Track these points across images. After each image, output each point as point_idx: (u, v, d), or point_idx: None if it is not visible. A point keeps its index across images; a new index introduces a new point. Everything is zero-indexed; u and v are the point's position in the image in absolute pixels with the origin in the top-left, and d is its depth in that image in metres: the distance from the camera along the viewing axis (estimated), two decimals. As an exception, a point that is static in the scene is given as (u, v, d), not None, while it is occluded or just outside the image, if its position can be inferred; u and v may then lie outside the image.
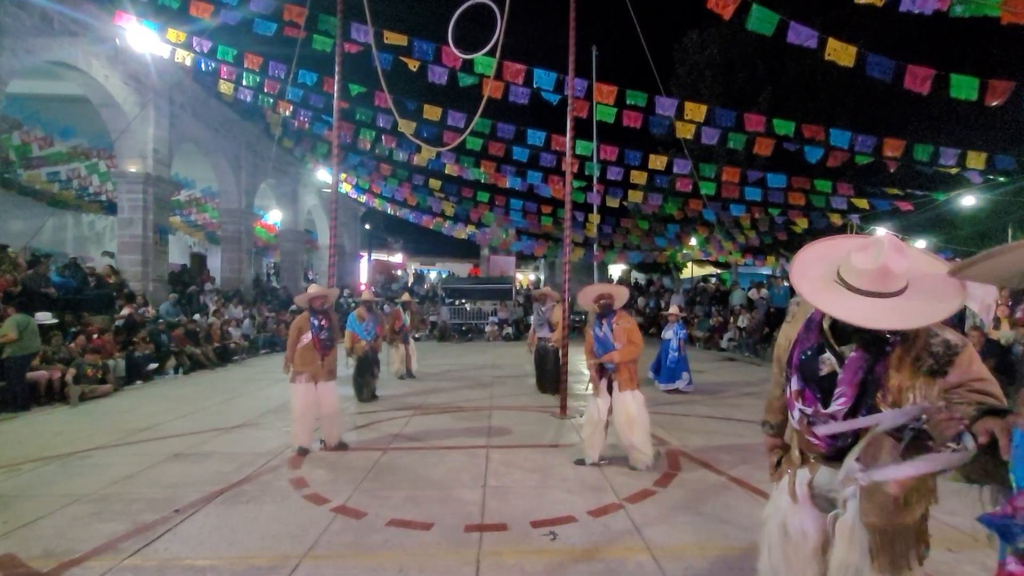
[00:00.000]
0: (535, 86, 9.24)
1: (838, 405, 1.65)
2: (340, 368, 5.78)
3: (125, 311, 10.71)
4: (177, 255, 20.71)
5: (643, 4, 8.05)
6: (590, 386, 4.90)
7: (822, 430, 1.61)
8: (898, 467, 1.39)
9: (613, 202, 15.05)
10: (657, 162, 11.92)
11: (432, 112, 10.44)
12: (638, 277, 28.13)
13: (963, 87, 7.24)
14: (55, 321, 9.00)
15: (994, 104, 7.25)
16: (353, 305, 9.60)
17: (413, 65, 9.33)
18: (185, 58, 10.36)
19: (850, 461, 1.56)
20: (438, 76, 9.34)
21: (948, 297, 1.51)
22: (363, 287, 14.86)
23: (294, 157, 19.51)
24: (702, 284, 22.86)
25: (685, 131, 10.32)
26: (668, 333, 8.81)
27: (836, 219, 15.32)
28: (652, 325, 17.28)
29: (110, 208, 17.01)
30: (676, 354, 8.56)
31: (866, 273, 1.54)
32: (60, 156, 14.88)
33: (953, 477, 1.28)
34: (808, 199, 13.27)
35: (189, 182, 18.54)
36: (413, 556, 3.13)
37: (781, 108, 16.77)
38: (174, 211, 18.87)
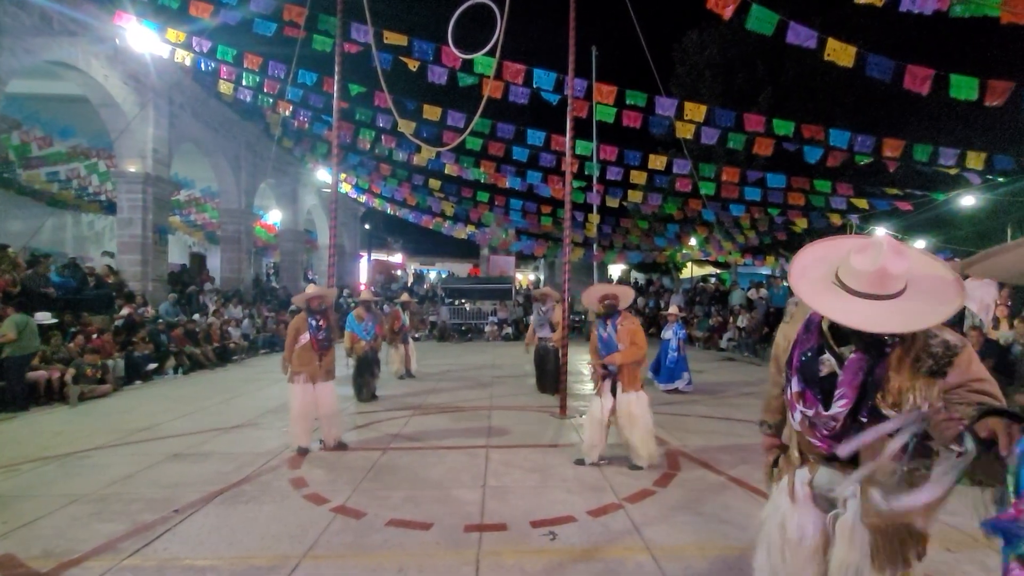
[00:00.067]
0: (535, 86, 9.24)
1: (839, 407, 1.65)
2: (340, 368, 5.78)
3: (124, 311, 10.70)
4: (177, 255, 20.70)
5: (643, 4, 8.06)
6: (596, 385, 4.89)
7: (843, 450, 1.57)
8: (918, 494, 1.37)
9: (613, 202, 15.06)
10: (657, 162, 11.93)
11: (432, 112, 10.44)
12: (638, 277, 28.13)
13: (963, 87, 7.24)
14: (54, 321, 8.99)
15: (993, 104, 7.25)
16: (352, 305, 9.59)
17: (413, 65, 9.33)
18: (185, 58, 10.36)
19: (872, 491, 1.51)
20: (438, 76, 9.34)
21: (947, 298, 1.51)
22: (362, 287, 14.85)
23: (294, 157, 19.51)
24: (701, 284, 22.87)
25: (685, 131, 10.32)
26: (668, 333, 8.82)
27: (836, 219, 15.33)
28: (652, 325, 17.28)
29: (109, 208, 17.00)
30: (676, 354, 8.57)
31: (865, 275, 1.53)
32: (59, 156, 14.86)
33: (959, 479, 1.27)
34: (807, 199, 13.27)
35: (189, 182, 18.53)
36: (412, 556, 3.13)
37: (781, 108, 16.78)
38: (174, 211, 18.86)
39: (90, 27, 10.78)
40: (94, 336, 9.26)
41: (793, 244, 17.15)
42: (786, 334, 1.92)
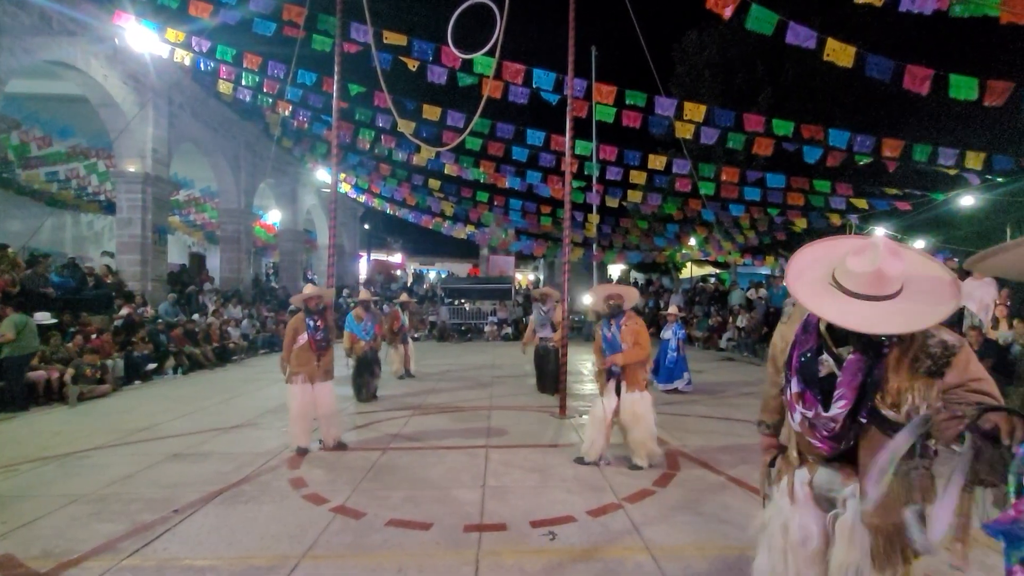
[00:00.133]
0: (534, 86, 9.25)
1: (838, 408, 1.65)
2: (339, 368, 5.77)
3: (124, 311, 10.69)
4: (176, 255, 20.70)
5: (642, 4, 8.06)
6: (599, 385, 4.88)
7: (872, 491, 1.52)
8: (941, 512, 1.36)
9: (612, 202, 15.06)
10: (656, 162, 11.93)
11: (431, 112, 10.44)
12: (637, 277, 28.13)
13: (962, 87, 7.24)
14: (54, 321, 8.98)
15: (993, 105, 7.25)
16: (352, 305, 9.60)
17: (412, 65, 9.33)
18: (184, 58, 10.35)
19: (912, 530, 1.49)
20: (437, 76, 9.34)
21: (944, 299, 1.51)
22: (361, 287, 14.86)
23: (293, 157, 19.50)
24: (701, 284, 22.87)
25: (684, 131, 10.33)
26: (667, 333, 8.82)
27: (835, 219, 15.34)
28: (651, 325, 17.26)
29: (109, 208, 16.99)
30: (675, 354, 8.57)
31: (862, 276, 1.54)
32: (59, 156, 14.84)
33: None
34: (807, 199, 13.28)
35: (188, 182, 18.51)
36: (412, 556, 3.13)
37: (780, 108, 16.77)
38: (173, 211, 18.85)
39: (89, 27, 10.77)
40: (93, 336, 9.26)
41: (792, 244, 17.14)
42: (783, 335, 1.92)
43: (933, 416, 1.37)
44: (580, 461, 4.80)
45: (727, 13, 6.90)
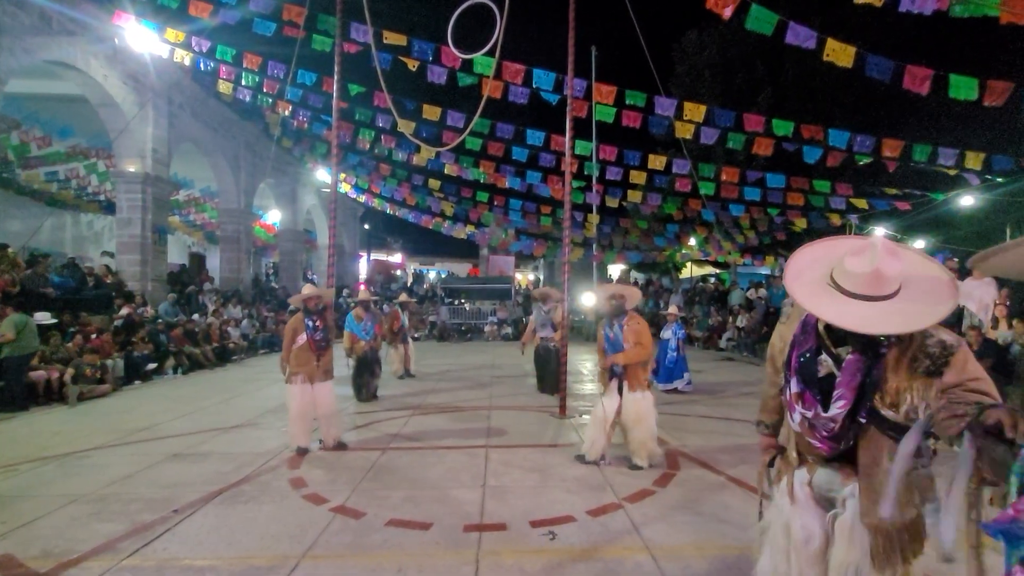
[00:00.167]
0: (534, 86, 9.24)
1: (837, 408, 1.66)
2: (340, 368, 5.77)
3: (124, 311, 10.69)
4: (176, 255, 20.70)
5: (642, 4, 8.06)
6: (601, 385, 4.88)
7: (886, 510, 1.51)
8: (948, 515, 1.35)
9: (612, 202, 15.05)
10: (656, 162, 11.92)
11: (431, 112, 10.43)
12: (637, 277, 28.13)
13: (962, 87, 7.24)
14: (53, 321, 8.98)
15: (992, 105, 7.25)
16: (352, 305, 9.60)
17: (412, 65, 9.32)
18: (184, 58, 10.35)
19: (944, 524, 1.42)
20: (437, 76, 9.34)
21: (942, 299, 1.52)
22: (361, 287, 14.86)
23: (293, 157, 19.50)
24: (701, 284, 22.87)
25: (684, 131, 10.32)
26: (667, 333, 8.82)
27: (835, 219, 15.33)
28: (651, 325, 17.26)
29: (109, 208, 16.99)
30: (675, 354, 8.57)
31: (860, 277, 1.54)
32: (58, 156, 14.84)
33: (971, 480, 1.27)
34: (807, 199, 13.28)
35: (188, 182, 18.51)
36: (412, 556, 3.13)
37: (780, 108, 16.78)
38: (173, 211, 18.85)
39: (89, 27, 10.77)
40: (93, 336, 9.26)
41: (792, 244, 17.12)
42: (782, 335, 1.92)
43: (935, 414, 1.38)
44: (581, 459, 4.81)
45: (727, 13, 6.90)
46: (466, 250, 33.10)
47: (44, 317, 8.77)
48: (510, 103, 9.60)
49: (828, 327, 1.71)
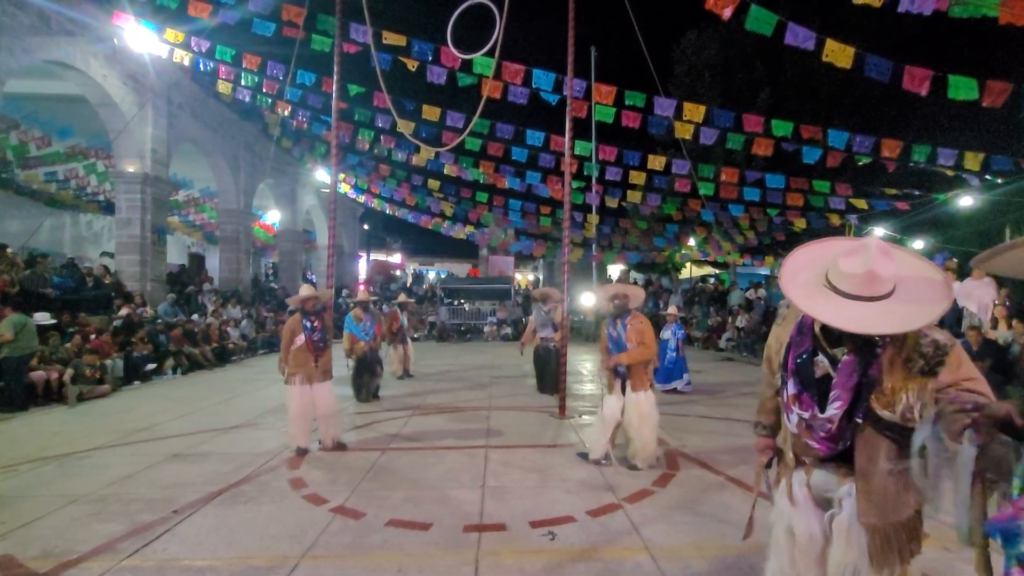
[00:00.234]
0: (534, 86, 9.25)
1: (834, 408, 1.67)
2: (340, 369, 5.76)
3: (123, 311, 10.69)
4: (175, 255, 20.69)
5: (642, 4, 8.07)
6: (606, 384, 4.89)
7: (963, 518, 1.37)
8: (960, 506, 1.35)
9: (612, 202, 15.06)
10: (656, 162, 11.93)
11: (431, 112, 10.44)
12: (637, 277, 28.14)
13: (961, 88, 7.25)
14: (53, 321, 8.98)
15: (991, 105, 7.26)
16: (351, 306, 9.60)
17: (412, 65, 9.32)
18: (183, 58, 10.35)
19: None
20: (437, 76, 9.34)
21: (936, 299, 1.54)
22: (361, 286, 14.85)
23: (292, 157, 19.50)
24: (700, 284, 22.88)
25: (684, 131, 10.33)
26: (666, 333, 8.82)
27: (834, 219, 15.34)
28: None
29: (108, 208, 16.98)
30: (674, 354, 8.57)
31: (854, 277, 1.55)
32: (58, 156, 14.84)
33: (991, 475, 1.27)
34: (806, 199, 13.29)
35: (187, 182, 18.52)
36: (412, 556, 3.13)
37: (779, 109, 16.80)
38: (172, 211, 18.84)
39: (88, 27, 10.77)
40: (92, 336, 9.25)
41: (792, 244, 17.03)
42: (778, 336, 1.93)
43: (943, 408, 1.38)
44: (584, 457, 4.81)
45: (726, 14, 6.91)
46: (466, 250, 33.11)
47: (43, 317, 8.76)
48: (510, 103, 9.61)
49: (824, 328, 1.72)
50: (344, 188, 18.37)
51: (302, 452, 5.10)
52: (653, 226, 19.14)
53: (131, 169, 12.48)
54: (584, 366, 11.47)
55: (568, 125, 7.17)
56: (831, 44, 7.22)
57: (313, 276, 24.79)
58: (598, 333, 5.19)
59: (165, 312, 12.05)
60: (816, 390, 1.72)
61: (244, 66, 10.15)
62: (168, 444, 5.56)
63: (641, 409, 4.60)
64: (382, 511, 3.76)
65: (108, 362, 8.92)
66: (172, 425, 6.43)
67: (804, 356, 1.76)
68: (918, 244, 16.88)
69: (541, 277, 32.97)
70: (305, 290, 5.42)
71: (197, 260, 23.44)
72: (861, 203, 13.32)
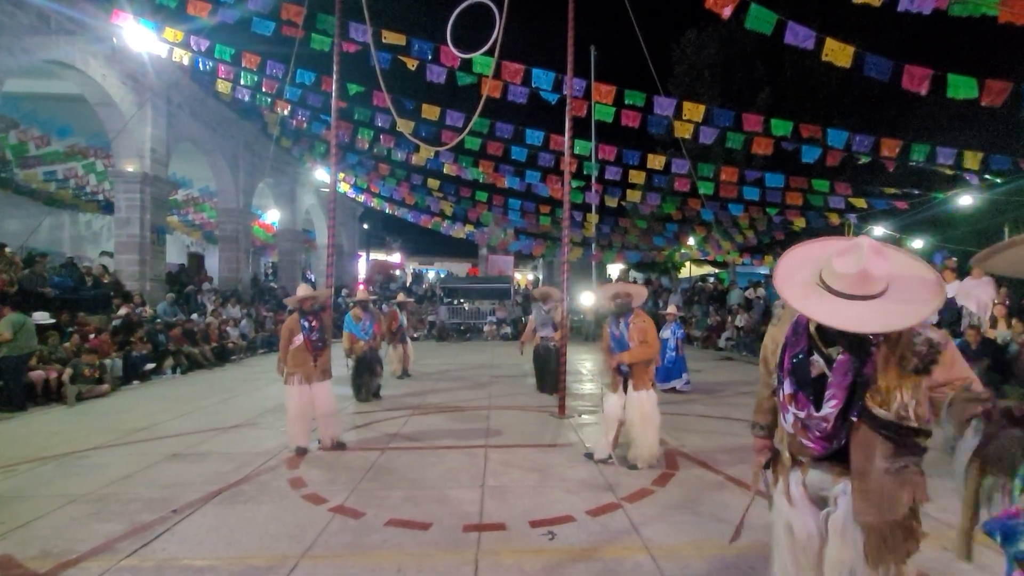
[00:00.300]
0: (534, 86, 9.25)
1: (829, 407, 1.68)
2: (339, 368, 5.76)
3: (122, 311, 10.68)
4: (175, 255, 20.68)
5: (641, 4, 8.06)
6: (609, 383, 4.89)
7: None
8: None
9: (611, 202, 15.07)
10: (655, 162, 11.94)
11: (430, 111, 10.44)
12: (636, 277, 28.15)
13: (960, 87, 7.25)
14: (52, 321, 8.97)
15: (991, 104, 7.26)
16: (351, 305, 9.60)
17: (412, 64, 9.32)
18: (183, 57, 10.35)
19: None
20: (436, 75, 9.34)
21: (927, 298, 1.56)
22: (360, 286, 14.86)
23: (292, 156, 19.49)
24: (700, 283, 22.89)
25: (683, 131, 10.33)
26: (666, 333, 8.81)
27: (834, 219, 15.35)
28: (650, 325, 17.26)
29: (107, 208, 16.97)
30: (674, 354, 8.57)
31: (847, 277, 1.57)
32: (57, 155, 14.82)
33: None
34: (806, 199, 13.30)
35: (187, 181, 18.50)
36: (411, 556, 3.13)
37: (779, 108, 16.79)
38: (172, 211, 18.83)
39: (88, 26, 10.75)
40: (91, 336, 9.24)
41: (791, 244, 17.03)
42: (774, 336, 1.95)
43: (956, 395, 1.39)
44: (590, 457, 4.83)
45: (726, 13, 6.91)
46: (465, 250, 33.10)
47: (42, 317, 8.75)
48: (509, 102, 9.62)
49: (819, 328, 1.73)
50: (344, 187, 18.37)
51: (301, 452, 5.09)
52: (653, 225, 19.15)
53: (130, 168, 12.47)
54: (584, 366, 11.47)
55: (568, 124, 7.16)
56: (831, 43, 7.22)
57: (312, 275, 24.79)
58: (599, 332, 5.19)
59: (164, 312, 12.04)
60: (812, 389, 1.73)
61: (243, 65, 10.14)
62: (167, 444, 5.56)
63: (643, 408, 4.60)
64: (382, 511, 3.76)
65: (107, 362, 8.91)
66: (171, 425, 6.43)
67: (800, 356, 1.77)
68: (917, 243, 16.90)
69: (541, 276, 32.97)
70: (302, 290, 5.41)
71: (196, 260, 23.42)
72: (860, 202, 13.33)
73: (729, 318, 15.72)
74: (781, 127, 9.96)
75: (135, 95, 12.32)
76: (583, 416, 6.73)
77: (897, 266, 1.62)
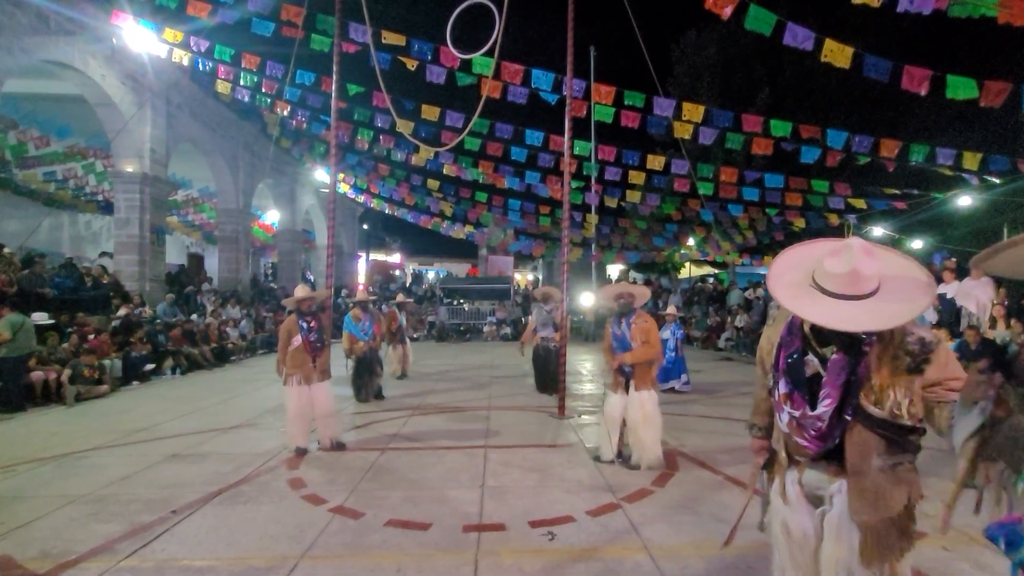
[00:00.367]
0: (533, 86, 9.25)
1: (824, 407, 1.70)
2: (339, 369, 5.75)
3: (122, 311, 10.67)
4: (174, 255, 20.66)
5: (641, 4, 8.07)
6: (611, 384, 4.89)
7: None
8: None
9: (611, 202, 15.07)
10: (655, 162, 11.94)
11: (430, 112, 10.44)
12: (636, 277, 28.16)
13: (959, 88, 7.26)
14: (51, 321, 8.96)
15: (990, 105, 7.27)
16: (351, 306, 9.60)
17: (411, 65, 9.32)
18: (182, 58, 10.34)
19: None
20: (436, 76, 9.34)
21: (917, 297, 1.58)
22: (360, 286, 14.85)
23: (292, 157, 19.48)
24: (700, 284, 22.91)
25: (683, 131, 10.34)
26: (665, 333, 8.80)
27: (833, 219, 15.36)
28: (650, 325, 17.26)
29: (107, 208, 16.96)
30: (673, 354, 8.57)
31: (839, 277, 1.59)
32: (56, 156, 14.82)
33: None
34: (805, 199, 13.31)
35: (186, 182, 18.49)
36: (411, 556, 3.13)
37: (778, 108, 16.81)
38: (171, 211, 18.81)
39: (87, 26, 10.75)
40: (91, 336, 9.23)
41: (791, 244, 17.13)
42: (769, 337, 1.97)
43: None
44: (597, 459, 4.83)
45: (726, 13, 6.91)
46: (465, 250, 33.09)
47: (41, 317, 8.75)
48: (509, 103, 9.62)
49: (813, 328, 1.75)
50: (343, 188, 18.36)
51: (301, 452, 5.09)
52: (652, 226, 19.16)
53: (130, 169, 12.47)
54: (584, 366, 11.46)
55: (567, 125, 7.16)
56: (830, 44, 7.23)
57: (310, 276, 24.78)
58: (599, 333, 5.20)
59: (164, 312, 12.04)
60: (807, 389, 1.74)
61: (243, 66, 10.14)
62: (167, 444, 5.56)
63: (645, 409, 4.60)
64: (381, 511, 3.76)
65: (106, 362, 8.91)
66: (171, 425, 6.42)
67: (794, 356, 1.79)
68: (917, 244, 16.92)
69: (540, 277, 32.96)
70: (301, 291, 5.41)
71: (196, 260, 23.41)
72: (860, 203, 13.34)
73: (729, 318, 15.73)
74: (780, 128, 9.96)
75: (135, 95, 12.32)
76: (583, 416, 6.73)
77: (888, 266, 1.65)
